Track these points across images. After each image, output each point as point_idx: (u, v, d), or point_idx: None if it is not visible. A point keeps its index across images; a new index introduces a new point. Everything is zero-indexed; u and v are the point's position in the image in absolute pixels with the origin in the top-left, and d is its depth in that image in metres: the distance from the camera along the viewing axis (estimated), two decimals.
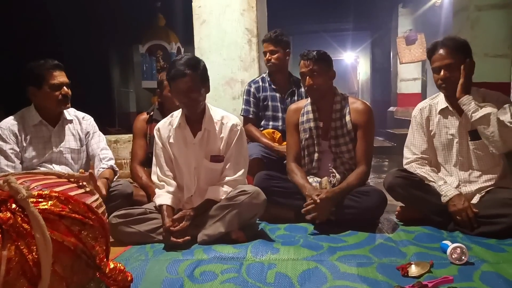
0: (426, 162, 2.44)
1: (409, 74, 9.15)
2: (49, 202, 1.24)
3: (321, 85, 2.47)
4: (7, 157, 2.43)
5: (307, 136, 2.59)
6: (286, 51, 3.21)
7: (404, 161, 2.50)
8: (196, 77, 2.17)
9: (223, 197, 2.22)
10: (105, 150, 2.68)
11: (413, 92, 9.08)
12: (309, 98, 2.64)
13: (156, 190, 2.32)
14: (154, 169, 2.37)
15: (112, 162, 2.65)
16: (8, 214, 1.15)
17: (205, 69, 2.27)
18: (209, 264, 1.84)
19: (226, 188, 2.26)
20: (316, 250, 1.99)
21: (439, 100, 2.42)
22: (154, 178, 2.36)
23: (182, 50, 7.24)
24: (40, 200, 1.23)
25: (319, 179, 2.52)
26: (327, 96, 2.55)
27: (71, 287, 1.27)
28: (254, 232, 2.27)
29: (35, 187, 1.29)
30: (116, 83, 9.69)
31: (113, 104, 9.58)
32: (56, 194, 1.28)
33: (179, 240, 2.06)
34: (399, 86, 9.37)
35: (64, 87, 2.47)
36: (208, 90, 2.30)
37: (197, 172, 2.32)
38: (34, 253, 1.14)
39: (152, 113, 2.90)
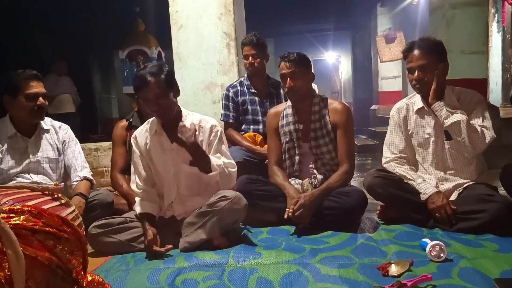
0: (405, 161, 2.47)
1: (389, 72, 9.26)
2: (21, 216, 1.22)
3: (301, 87, 2.48)
4: None
5: (288, 139, 2.60)
6: (266, 54, 3.23)
7: (383, 160, 2.53)
8: (160, 83, 2.12)
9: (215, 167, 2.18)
10: (79, 159, 2.64)
11: (394, 90, 9.18)
12: (288, 101, 2.65)
13: (136, 199, 2.30)
14: (133, 177, 2.35)
15: (86, 172, 2.61)
16: None
17: (170, 73, 2.21)
18: (190, 272, 1.83)
19: (217, 160, 2.21)
20: (298, 253, 1.99)
21: (416, 100, 2.45)
22: (133, 186, 2.34)
23: (163, 54, 7.21)
24: (11, 215, 1.21)
25: (301, 181, 2.53)
26: (306, 99, 2.56)
27: None
28: (237, 237, 2.26)
29: (6, 202, 1.27)
30: (97, 90, 9.61)
31: (95, 111, 9.49)
32: (29, 208, 1.26)
33: (161, 249, 2.05)
34: (380, 84, 9.47)
35: (40, 98, 2.42)
36: (177, 94, 2.26)
37: (177, 177, 2.30)
38: (6, 270, 1.12)
39: (131, 119, 2.87)
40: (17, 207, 1.25)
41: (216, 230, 2.13)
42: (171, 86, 2.20)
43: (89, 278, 1.45)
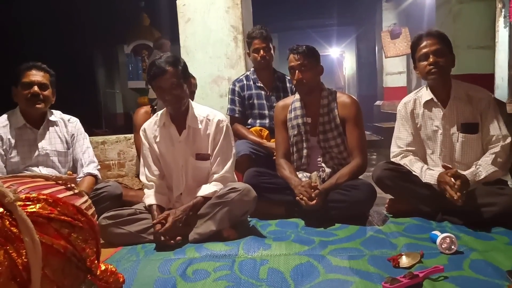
0: (412, 154, 2.45)
1: (394, 68, 9.23)
2: (37, 205, 1.23)
3: (310, 80, 2.48)
4: None
5: (296, 132, 2.59)
6: (273, 47, 3.23)
7: (391, 155, 2.52)
8: (177, 73, 2.17)
9: (213, 195, 2.21)
10: (86, 154, 2.65)
11: (398, 85, 9.16)
12: (296, 95, 2.64)
13: (145, 190, 2.31)
14: (142, 169, 2.37)
15: (92, 167, 2.61)
16: None
17: (185, 66, 2.26)
18: (201, 262, 1.84)
19: (215, 186, 2.26)
20: (307, 244, 2.00)
21: (423, 93, 2.45)
22: (142, 178, 2.36)
23: None
24: (28, 203, 1.21)
25: (308, 174, 2.53)
26: (314, 92, 2.55)
27: None
28: (246, 229, 2.28)
29: (22, 190, 1.27)
30: (101, 84, 9.60)
31: (100, 106, 9.48)
32: (44, 197, 1.26)
33: (170, 241, 2.05)
34: (385, 80, 9.44)
35: (35, 86, 2.42)
36: (190, 87, 2.29)
37: (185, 169, 2.32)
38: (23, 257, 1.13)
39: (155, 106, 2.87)
40: (33, 195, 1.25)
41: (226, 222, 2.14)
42: (185, 78, 2.23)
43: (103, 267, 1.45)
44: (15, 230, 1.13)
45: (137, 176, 2.78)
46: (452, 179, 2.11)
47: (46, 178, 1.49)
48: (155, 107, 2.85)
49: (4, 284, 1.08)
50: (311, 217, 2.37)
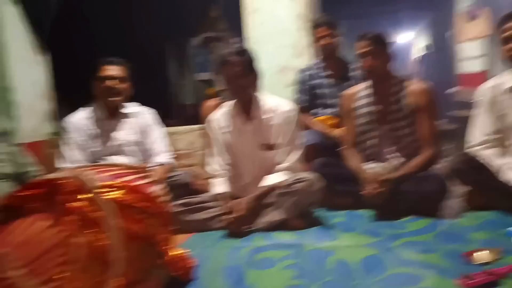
0: (492, 146, 2.29)
1: (471, 53, 8.64)
2: (117, 192, 1.32)
3: (378, 67, 2.40)
4: (74, 150, 2.57)
5: (364, 121, 2.53)
6: (339, 35, 3.17)
7: (469, 145, 2.38)
8: (242, 64, 2.21)
9: (280, 185, 2.23)
10: (160, 144, 2.74)
11: (476, 71, 8.58)
12: (365, 82, 2.58)
13: (213, 180, 2.38)
14: (210, 159, 2.44)
15: (164, 157, 2.70)
16: (83, 204, 1.23)
17: (253, 57, 2.30)
18: (268, 251, 1.86)
19: (282, 176, 2.28)
20: (376, 236, 1.96)
21: (506, 79, 2.26)
22: (210, 168, 2.43)
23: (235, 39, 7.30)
24: (108, 190, 1.31)
25: (377, 165, 2.47)
26: (384, 79, 2.47)
27: (137, 273, 1.34)
28: (313, 219, 2.27)
29: (104, 178, 1.36)
30: (172, 76, 9.93)
31: (171, 97, 9.83)
32: (122, 184, 1.35)
33: (239, 229, 2.11)
34: (460, 65, 8.89)
35: (112, 80, 2.53)
36: (257, 79, 2.32)
37: (252, 159, 2.36)
38: (105, 241, 1.22)
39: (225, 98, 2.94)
40: (113, 183, 1.34)
41: (293, 211, 2.16)
42: (251, 69, 2.26)
43: (174, 253, 1.53)
44: (97, 215, 1.23)
45: (205, 166, 2.87)
46: None
47: (123, 167, 1.58)
48: (225, 99, 2.91)
49: (90, 265, 1.18)
50: (380, 209, 2.31)
